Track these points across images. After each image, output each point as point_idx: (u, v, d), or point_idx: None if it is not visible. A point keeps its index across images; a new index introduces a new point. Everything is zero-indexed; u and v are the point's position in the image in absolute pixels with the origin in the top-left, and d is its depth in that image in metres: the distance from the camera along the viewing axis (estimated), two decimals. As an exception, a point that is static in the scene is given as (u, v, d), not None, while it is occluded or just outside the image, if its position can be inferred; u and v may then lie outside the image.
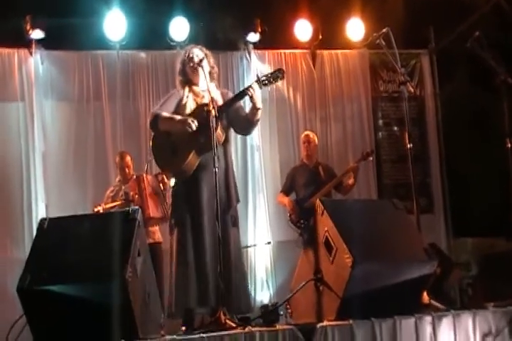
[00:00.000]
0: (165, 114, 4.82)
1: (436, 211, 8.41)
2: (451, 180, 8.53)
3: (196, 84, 4.94)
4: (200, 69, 4.80)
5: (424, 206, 7.94)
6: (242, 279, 4.88)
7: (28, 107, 7.49)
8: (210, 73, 4.89)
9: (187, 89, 4.93)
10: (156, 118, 4.82)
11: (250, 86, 4.73)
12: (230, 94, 4.96)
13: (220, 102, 4.80)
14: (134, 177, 6.61)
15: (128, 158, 6.77)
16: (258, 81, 4.74)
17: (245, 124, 4.93)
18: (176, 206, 4.87)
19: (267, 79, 4.77)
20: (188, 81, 4.96)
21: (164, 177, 6.40)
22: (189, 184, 4.74)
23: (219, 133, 4.70)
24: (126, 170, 6.71)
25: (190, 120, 4.66)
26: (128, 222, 4.01)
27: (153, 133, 4.98)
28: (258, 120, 4.90)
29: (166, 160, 4.86)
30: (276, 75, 4.79)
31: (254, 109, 4.78)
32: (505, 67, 5.29)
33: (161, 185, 6.45)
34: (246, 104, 5.15)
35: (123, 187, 6.56)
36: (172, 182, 4.97)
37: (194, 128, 4.65)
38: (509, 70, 5.28)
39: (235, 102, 4.83)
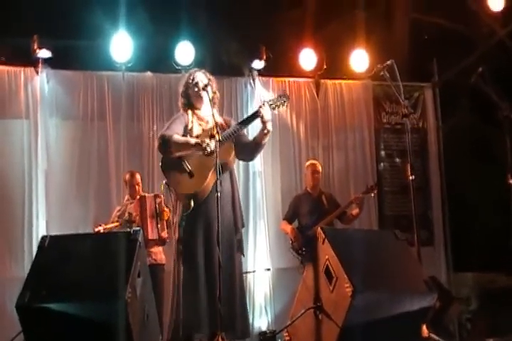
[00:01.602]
0: (177, 136, 4.76)
1: (436, 244, 8.41)
2: (453, 213, 8.53)
3: (199, 109, 4.95)
4: (204, 94, 4.82)
5: (424, 239, 7.92)
6: (244, 305, 4.85)
7: (33, 125, 7.49)
8: (212, 98, 4.88)
9: (190, 112, 4.93)
10: (168, 141, 4.73)
11: (261, 107, 4.76)
12: (233, 122, 4.95)
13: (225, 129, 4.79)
14: (138, 197, 6.61)
15: (138, 176, 6.80)
16: (266, 104, 4.78)
17: (252, 148, 4.91)
18: (183, 231, 4.70)
19: (274, 104, 4.81)
20: (191, 104, 4.96)
21: (163, 199, 6.41)
22: (198, 210, 4.65)
23: (232, 158, 4.75)
24: (136, 188, 6.73)
25: (205, 143, 4.62)
26: (129, 243, 4.02)
27: (161, 156, 4.88)
28: (265, 144, 4.90)
29: (182, 184, 4.71)
30: (283, 100, 4.85)
31: (265, 130, 4.78)
32: (508, 102, 5.32)
33: (157, 206, 6.45)
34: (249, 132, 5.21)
35: (128, 207, 6.56)
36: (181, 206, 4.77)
37: (210, 150, 4.61)
38: None
39: (247, 125, 4.85)
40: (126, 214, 6.45)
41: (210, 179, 4.62)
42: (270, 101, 4.83)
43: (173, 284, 4.68)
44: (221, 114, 5.18)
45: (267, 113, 4.74)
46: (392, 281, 4.34)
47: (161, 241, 6.47)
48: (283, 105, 4.87)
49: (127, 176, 6.83)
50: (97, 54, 7.56)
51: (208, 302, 4.53)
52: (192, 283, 4.58)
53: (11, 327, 4.02)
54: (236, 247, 4.78)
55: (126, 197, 6.82)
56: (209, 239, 4.61)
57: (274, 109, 4.83)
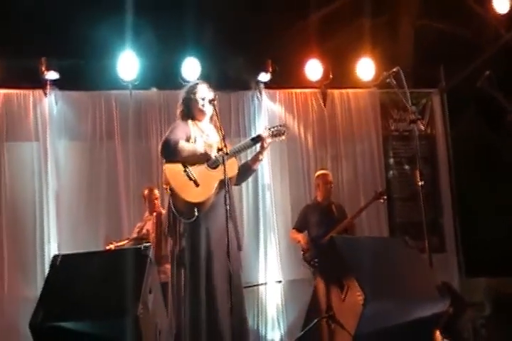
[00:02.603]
0: (183, 142, 4.71)
1: (448, 250, 8.36)
2: (463, 219, 8.49)
3: (200, 121, 4.93)
4: (208, 108, 4.84)
5: (435, 245, 7.88)
6: (247, 318, 4.86)
7: (42, 147, 7.58)
8: (213, 115, 4.90)
9: (191, 122, 4.90)
10: (174, 146, 4.67)
11: (263, 132, 4.89)
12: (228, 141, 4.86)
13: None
14: (155, 214, 6.67)
15: (156, 191, 6.90)
16: (269, 130, 4.90)
17: (243, 172, 4.92)
18: (187, 244, 4.69)
19: (275, 131, 4.93)
20: (191, 115, 4.93)
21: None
22: (200, 223, 4.65)
23: (235, 174, 4.76)
24: (155, 203, 6.82)
25: (212, 154, 4.70)
26: (140, 259, 4.06)
27: (164, 161, 4.81)
28: (255, 170, 5.04)
29: (188, 191, 4.64)
30: (283, 130, 4.96)
31: (260, 155, 4.91)
32: (515, 106, 5.33)
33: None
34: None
35: (147, 223, 6.63)
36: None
37: (218, 164, 4.64)
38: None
39: (250, 147, 4.93)
40: (144, 230, 6.51)
41: (215, 191, 4.64)
42: (272, 128, 4.95)
43: (172, 293, 4.67)
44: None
45: (267, 139, 4.86)
46: (404, 288, 4.36)
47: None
48: (280, 136, 4.96)
49: (146, 192, 6.92)
50: (103, 73, 7.64)
51: (208, 314, 4.51)
52: (193, 293, 4.56)
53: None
54: (239, 263, 4.79)
55: (146, 213, 6.89)
56: (210, 251, 4.61)
57: (273, 136, 4.92)
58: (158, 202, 6.84)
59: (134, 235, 6.67)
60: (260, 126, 7.72)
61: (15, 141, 7.63)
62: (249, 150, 5.18)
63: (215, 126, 4.87)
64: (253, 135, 5.09)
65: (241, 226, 5.03)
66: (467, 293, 7.81)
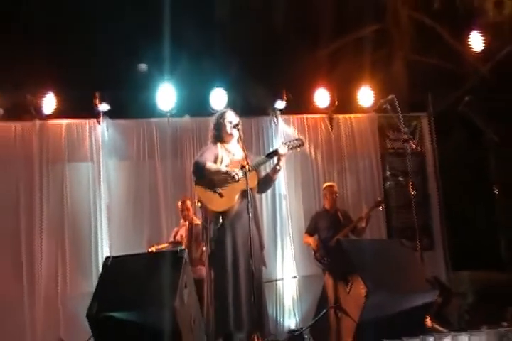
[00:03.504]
0: (210, 163, 4.77)
1: (437, 248, 8.26)
2: (450, 222, 8.41)
3: (227, 143, 4.94)
4: (235, 131, 4.86)
5: (426, 244, 7.78)
6: (267, 308, 4.83)
7: (96, 166, 7.63)
8: (240, 136, 4.88)
9: (219, 145, 4.91)
10: (202, 167, 4.74)
11: (280, 147, 4.83)
12: (252, 156, 4.93)
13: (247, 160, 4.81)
14: (187, 223, 6.69)
15: (188, 202, 6.88)
16: (285, 145, 4.84)
17: (266, 182, 4.93)
18: (215, 246, 4.73)
19: (291, 145, 4.88)
20: (220, 138, 4.94)
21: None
22: (227, 228, 4.68)
23: (255, 186, 4.78)
24: (186, 213, 6.82)
25: (234, 172, 4.69)
26: (177, 260, 4.09)
27: (195, 178, 4.86)
28: (275, 180, 4.96)
29: (214, 202, 4.71)
30: (299, 143, 4.92)
31: (278, 166, 4.84)
32: (491, 126, 5.32)
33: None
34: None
35: (181, 229, 6.65)
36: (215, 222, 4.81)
37: (237, 179, 4.67)
38: (495, 129, 5.31)
39: (267, 160, 4.90)
40: (179, 235, 6.53)
41: (237, 201, 4.68)
42: (288, 142, 4.90)
43: (208, 292, 4.68)
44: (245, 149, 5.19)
45: (283, 151, 4.82)
46: (400, 282, 4.35)
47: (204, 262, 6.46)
48: (298, 147, 4.93)
49: (179, 203, 6.93)
50: (146, 104, 7.69)
51: (234, 306, 4.50)
52: (224, 291, 4.56)
53: (84, 333, 4.08)
54: (262, 261, 4.80)
55: (182, 220, 6.91)
56: (236, 253, 4.62)
57: (291, 149, 4.89)
58: (188, 212, 6.84)
59: (171, 238, 6.67)
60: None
61: (74, 162, 7.68)
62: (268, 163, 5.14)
63: (241, 146, 4.88)
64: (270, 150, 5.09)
65: (262, 230, 4.97)
66: (453, 284, 7.73)
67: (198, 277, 6.31)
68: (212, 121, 5.05)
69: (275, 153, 4.85)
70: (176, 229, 6.91)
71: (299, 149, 4.99)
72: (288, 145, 4.87)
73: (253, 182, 4.76)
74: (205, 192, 4.73)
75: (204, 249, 6.04)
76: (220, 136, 4.95)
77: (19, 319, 7.03)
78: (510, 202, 7.23)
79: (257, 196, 5.13)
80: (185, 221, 6.82)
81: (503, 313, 4.78)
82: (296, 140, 4.96)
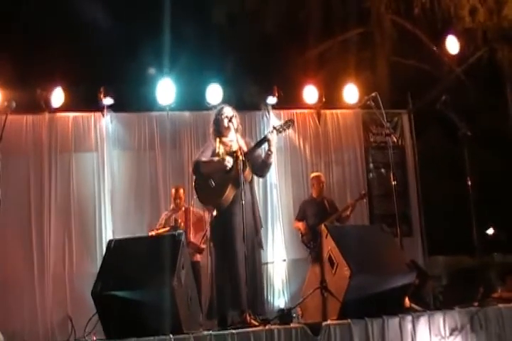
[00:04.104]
0: (204, 158, 4.83)
1: (414, 235, 8.27)
2: (426, 211, 8.47)
3: (225, 136, 4.93)
4: (230, 124, 4.85)
5: (405, 231, 7.78)
6: (263, 289, 4.84)
7: (100, 156, 7.59)
8: (237, 127, 4.90)
9: (218, 140, 4.91)
10: (198, 164, 4.83)
11: (269, 133, 4.77)
12: (252, 143, 4.95)
13: (245, 148, 4.82)
14: (183, 208, 6.64)
15: (181, 191, 6.82)
16: (275, 129, 4.77)
17: (262, 166, 4.87)
18: (214, 232, 4.80)
19: (281, 128, 4.80)
20: (219, 131, 4.94)
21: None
22: (224, 215, 4.68)
23: (247, 173, 4.74)
24: (178, 201, 6.76)
25: (226, 160, 4.68)
26: (175, 243, 4.05)
27: (194, 177, 4.95)
28: (271, 163, 4.88)
29: (207, 198, 4.80)
30: (288, 124, 4.83)
31: (269, 151, 4.78)
32: (465, 123, 5.31)
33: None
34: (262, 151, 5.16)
35: (174, 215, 6.59)
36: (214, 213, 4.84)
37: (230, 165, 4.65)
38: (469, 125, 5.30)
39: (258, 147, 4.86)
40: (172, 219, 6.48)
41: (229, 192, 4.65)
42: (277, 126, 4.82)
43: (210, 274, 4.73)
44: (244, 137, 5.14)
45: (273, 137, 4.74)
46: (381, 264, 4.34)
47: (199, 250, 6.39)
48: (288, 128, 4.84)
49: (173, 191, 6.88)
50: (147, 99, 7.64)
51: (232, 287, 4.52)
52: (222, 272, 4.60)
53: (90, 310, 4.05)
54: (257, 244, 4.77)
55: (172, 205, 6.86)
56: (234, 238, 4.59)
57: (281, 132, 4.80)
58: (182, 200, 6.78)
59: (162, 221, 6.61)
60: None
61: (80, 152, 7.65)
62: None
63: (240, 135, 4.93)
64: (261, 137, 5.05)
65: (258, 215, 4.95)
66: (429, 268, 7.78)
67: (193, 260, 6.31)
68: (211, 116, 5.06)
69: (265, 139, 4.80)
70: (166, 212, 6.83)
71: (290, 129, 4.94)
72: (278, 129, 4.78)
73: (246, 170, 4.70)
74: (202, 191, 4.81)
75: (203, 234, 6.14)
76: (218, 130, 4.95)
77: (31, 296, 7.06)
78: (482, 193, 7.29)
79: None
80: (177, 207, 6.76)
81: (474, 294, 4.78)
82: (285, 123, 4.86)
